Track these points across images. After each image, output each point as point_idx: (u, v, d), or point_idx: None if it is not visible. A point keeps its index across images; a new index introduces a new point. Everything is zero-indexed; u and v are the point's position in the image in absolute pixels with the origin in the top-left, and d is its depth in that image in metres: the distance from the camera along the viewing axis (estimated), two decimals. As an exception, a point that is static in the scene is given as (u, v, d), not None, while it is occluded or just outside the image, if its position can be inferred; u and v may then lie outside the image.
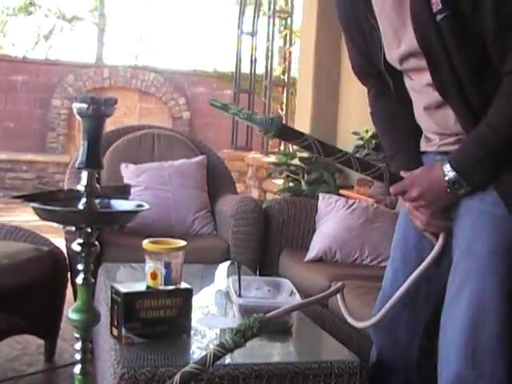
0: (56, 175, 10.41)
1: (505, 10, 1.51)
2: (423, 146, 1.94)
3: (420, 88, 1.81)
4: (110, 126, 4.01)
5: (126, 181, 4.19)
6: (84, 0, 16.54)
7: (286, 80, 9.20)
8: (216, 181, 4.46)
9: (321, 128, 5.88)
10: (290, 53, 9.29)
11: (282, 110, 9.21)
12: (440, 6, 1.57)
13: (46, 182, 10.44)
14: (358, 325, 1.98)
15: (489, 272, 1.66)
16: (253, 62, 9.50)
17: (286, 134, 1.76)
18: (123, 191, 2.02)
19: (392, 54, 1.80)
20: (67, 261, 3.38)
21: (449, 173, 1.68)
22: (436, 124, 1.80)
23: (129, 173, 4.23)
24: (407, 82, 1.87)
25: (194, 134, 10.17)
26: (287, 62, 9.29)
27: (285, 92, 9.16)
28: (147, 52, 17.08)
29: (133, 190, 4.10)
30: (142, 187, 4.14)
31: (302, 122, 6.12)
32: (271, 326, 1.73)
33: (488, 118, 1.61)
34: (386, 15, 1.75)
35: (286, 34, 9.48)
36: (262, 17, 9.81)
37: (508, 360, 1.66)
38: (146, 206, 1.83)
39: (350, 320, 1.98)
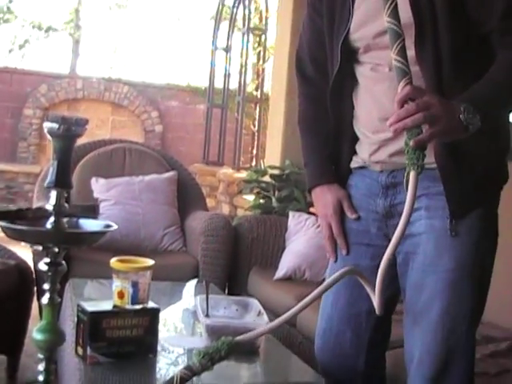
0: (26, 185, 10.30)
1: None
2: (365, 158, 1.91)
3: (382, 69, 1.79)
4: (82, 138, 3.98)
5: (96, 195, 4.17)
6: (60, 11, 16.47)
7: (259, 96, 9.21)
8: (186, 197, 4.46)
9: (293, 145, 5.87)
10: (263, 69, 9.32)
11: (255, 126, 9.21)
12: None
13: (15, 192, 10.34)
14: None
15: (458, 285, 1.73)
16: (226, 77, 9.50)
17: None
18: (92, 211, 2.02)
19: (368, 29, 1.79)
20: (34, 275, 3.33)
21: (462, 103, 1.56)
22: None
23: (99, 187, 4.22)
24: (363, 68, 1.85)
25: (166, 147, 10.13)
26: (260, 79, 9.32)
27: (257, 108, 9.17)
28: (121, 64, 17.03)
29: (102, 205, 4.11)
30: (112, 202, 4.12)
31: (275, 139, 6.13)
32: (239, 348, 1.72)
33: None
34: None
35: (259, 51, 9.50)
36: (236, 32, 9.82)
37: (469, 362, 1.79)
38: (114, 227, 1.82)
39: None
